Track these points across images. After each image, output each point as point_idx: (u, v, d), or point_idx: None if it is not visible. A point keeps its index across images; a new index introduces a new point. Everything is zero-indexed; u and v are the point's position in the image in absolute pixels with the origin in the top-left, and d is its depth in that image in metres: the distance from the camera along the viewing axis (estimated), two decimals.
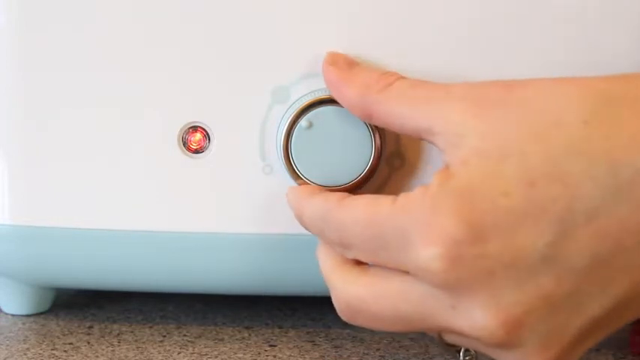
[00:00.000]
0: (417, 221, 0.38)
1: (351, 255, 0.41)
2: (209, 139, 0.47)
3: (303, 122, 0.45)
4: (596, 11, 0.45)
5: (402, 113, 0.41)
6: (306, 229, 0.44)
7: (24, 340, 0.49)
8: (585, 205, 0.37)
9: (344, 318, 0.42)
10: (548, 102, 0.38)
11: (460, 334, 0.39)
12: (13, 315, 0.53)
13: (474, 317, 0.38)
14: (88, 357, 0.47)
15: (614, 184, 0.36)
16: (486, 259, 0.37)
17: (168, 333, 0.50)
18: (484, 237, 0.37)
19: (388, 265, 0.40)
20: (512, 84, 0.39)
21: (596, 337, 0.39)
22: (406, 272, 0.39)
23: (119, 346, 0.49)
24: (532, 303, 0.37)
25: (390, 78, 0.42)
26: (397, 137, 0.46)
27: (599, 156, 0.37)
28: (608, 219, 0.37)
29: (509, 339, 0.38)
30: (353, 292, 0.41)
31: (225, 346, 0.49)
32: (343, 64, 0.44)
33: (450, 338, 0.40)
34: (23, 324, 0.52)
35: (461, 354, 0.43)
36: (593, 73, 0.39)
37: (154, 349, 0.48)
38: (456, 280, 0.37)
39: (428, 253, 0.37)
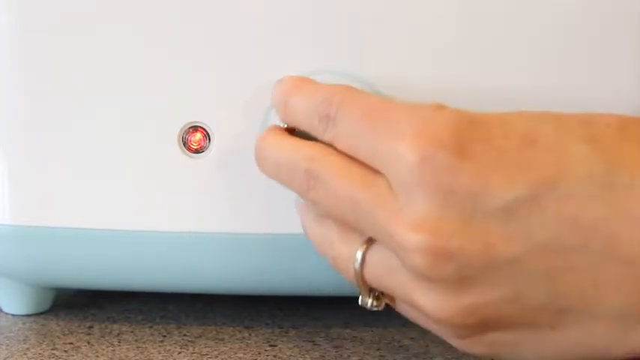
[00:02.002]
0: (416, 117, 0.38)
1: (328, 134, 0.41)
2: (209, 139, 0.47)
3: None
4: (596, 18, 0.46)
5: None
6: (283, 112, 0.44)
7: (24, 340, 0.49)
8: (571, 187, 0.36)
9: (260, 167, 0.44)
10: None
11: (392, 242, 0.38)
12: (13, 315, 0.53)
13: (413, 220, 0.37)
14: (88, 357, 0.47)
15: (608, 184, 0.36)
16: (455, 176, 0.37)
17: (168, 333, 0.50)
18: (465, 157, 0.37)
19: (361, 153, 0.40)
20: None
21: (529, 338, 0.38)
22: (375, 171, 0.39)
23: (119, 346, 0.49)
24: (471, 243, 0.37)
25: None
26: None
27: (608, 156, 0.37)
28: (585, 211, 0.36)
29: (433, 266, 0.37)
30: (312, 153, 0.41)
31: (225, 346, 0.49)
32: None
33: (370, 273, 0.40)
34: (23, 324, 0.52)
35: (370, 299, 0.41)
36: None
37: (154, 349, 0.48)
38: (419, 181, 0.37)
39: (411, 144, 0.37)
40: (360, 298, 0.41)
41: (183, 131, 0.47)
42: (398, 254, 0.38)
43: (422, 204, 0.37)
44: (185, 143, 0.47)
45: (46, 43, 0.46)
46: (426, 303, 0.38)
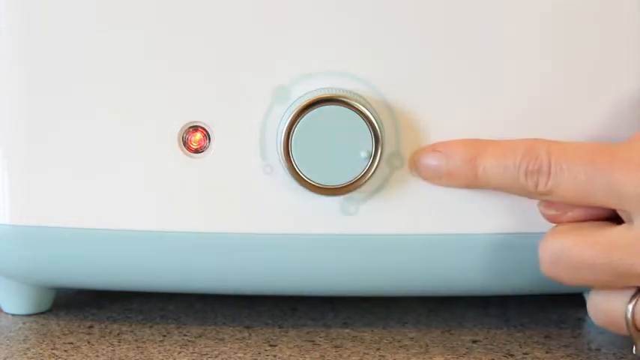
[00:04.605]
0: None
1: (542, 187, 0.43)
2: (209, 139, 0.47)
3: None
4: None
5: None
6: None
7: (24, 339, 0.49)
8: None
9: (543, 269, 0.44)
10: None
11: None
12: (13, 315, 0.53)
13: None
14: (88, 357, 0.47)
15: None
16: None
17: (168, 333, 0.50)
18: None
19: (593, 194, 0.42)
20: None
21: None
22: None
23: (119, 345, 0.49)
24: None
25: None
26: (397, 137, 0.46)
27: None
28: None
29: None
30: (558, 243, 0.43)
31: (225, 346, 0.49)
32: None
33: None
34: (23, 324, 0.52)
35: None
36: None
37: (154, 348, 0.48)
38: None
39: None
40: (635, 347, 0.44)
41: (183, 131, 0.47)
42: None
43: None
44: (185, 143, 0.47)
45: (46, 44, 0.46)
46: None
